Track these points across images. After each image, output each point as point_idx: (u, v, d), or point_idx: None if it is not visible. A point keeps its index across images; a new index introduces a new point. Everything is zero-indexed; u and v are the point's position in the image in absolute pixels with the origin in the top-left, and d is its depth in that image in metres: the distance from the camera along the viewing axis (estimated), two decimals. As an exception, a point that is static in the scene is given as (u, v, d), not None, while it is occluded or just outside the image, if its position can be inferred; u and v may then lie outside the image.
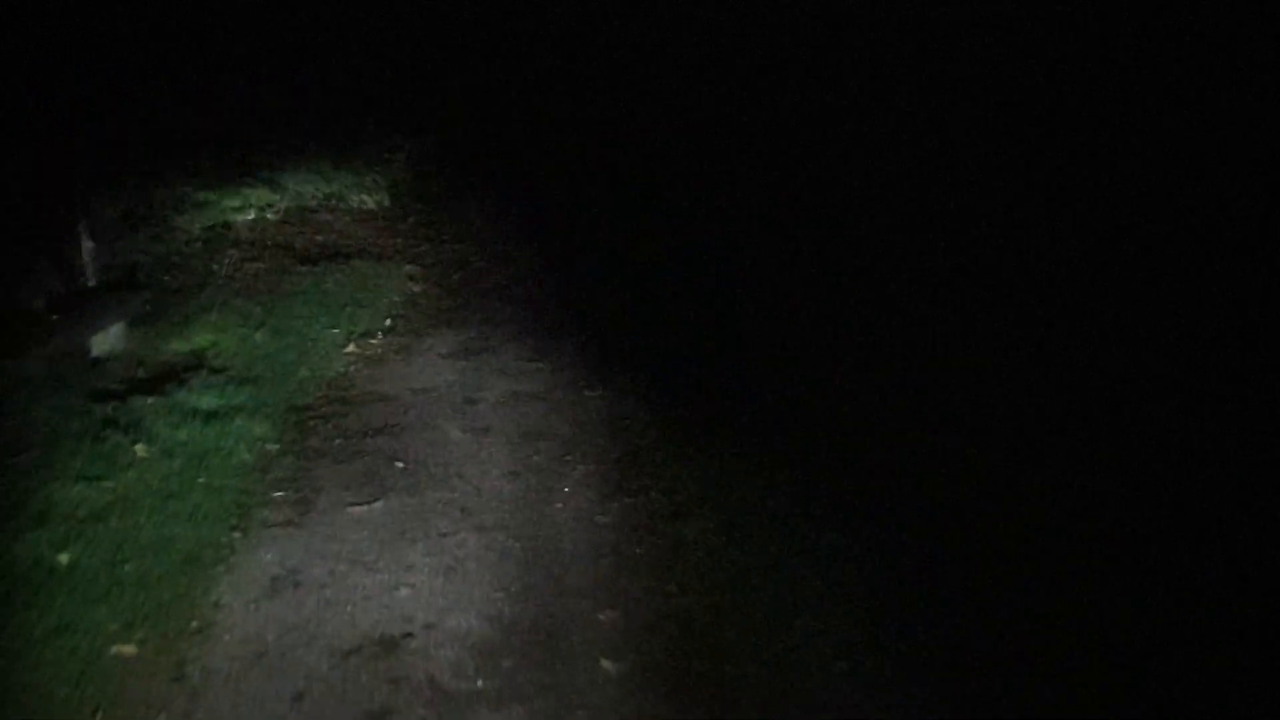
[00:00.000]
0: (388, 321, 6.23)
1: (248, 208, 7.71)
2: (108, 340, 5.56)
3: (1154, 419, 4.52)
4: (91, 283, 5.98)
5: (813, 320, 6.10)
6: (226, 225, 7.49)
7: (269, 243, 7.37)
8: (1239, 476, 4.02)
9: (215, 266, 6.88)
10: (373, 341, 5.91)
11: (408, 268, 7.18)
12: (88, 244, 6.01)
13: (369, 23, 10.19)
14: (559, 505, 4.09)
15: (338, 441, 4.69)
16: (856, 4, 9.32)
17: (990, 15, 7.85)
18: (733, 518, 3.93)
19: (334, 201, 8.17)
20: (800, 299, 6.43)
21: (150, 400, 4.96)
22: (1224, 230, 5.63)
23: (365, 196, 8.33)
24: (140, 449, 4.47)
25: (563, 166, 9.23)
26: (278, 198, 7.92)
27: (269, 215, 7.72)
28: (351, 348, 5.81)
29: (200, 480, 4.27)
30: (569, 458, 4.49)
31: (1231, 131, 6.01)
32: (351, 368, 5.57)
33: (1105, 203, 6.42)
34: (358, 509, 4.09)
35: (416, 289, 6.82)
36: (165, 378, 5.27)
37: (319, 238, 7.62)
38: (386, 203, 8.43)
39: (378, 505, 4.11)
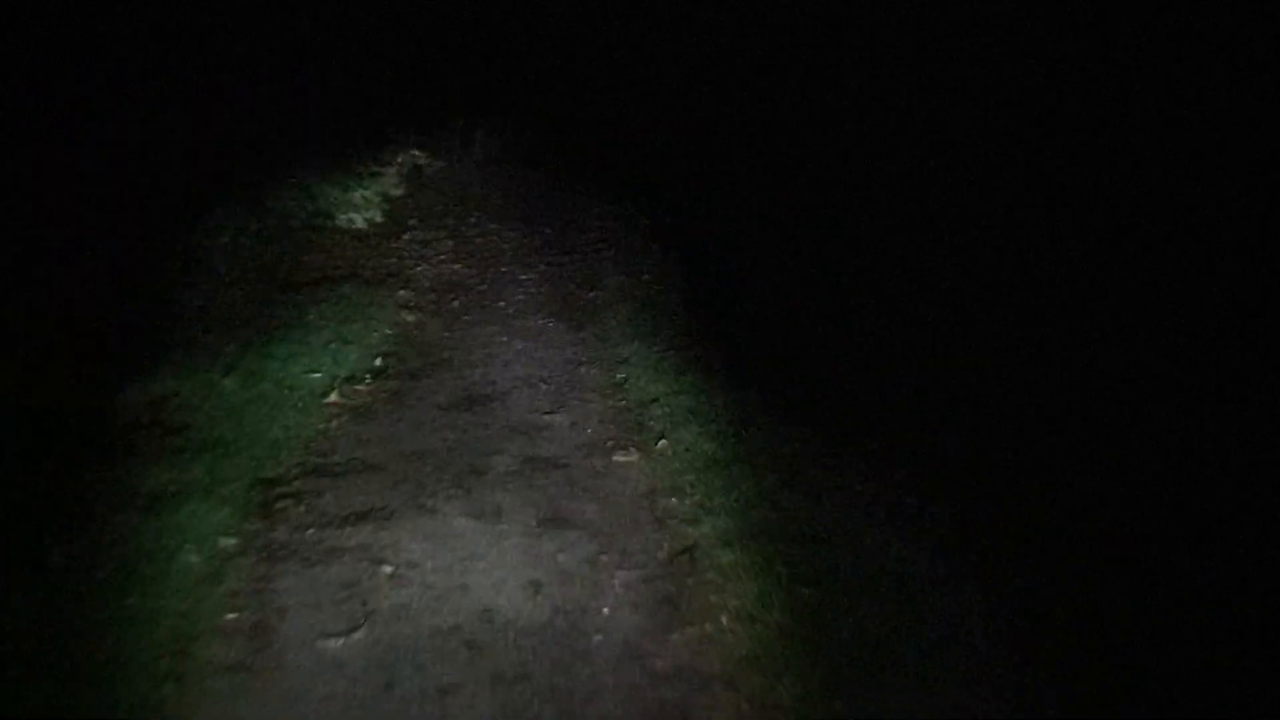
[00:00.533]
0: (377, 361, 4.96)
1: (224, 229, 6.37)
2: (49, 392, 4.29)
3: (1154, 419, 4.06)
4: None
5: (832, 331, 5.17)
6: (200, 249, 6.16)
7: (248, 268, 6.04)
8: (1239, 476, 3.61)
9: (186, 297, 5.58)
10: (359, 388, 4.64)
11: (401, 294, 5.88)
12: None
13: (363, 22, 8.85)
14: (598, 638, 2.84)
15: (311, 533, 3.44)
16: (856, 4, 8.36)
17: (990, 15, 7.03)
18: (843, 663, 2.68)
19: (320, 220, 6.83)
20: (807, 304, 5.54)
21: (85, 477, 3.70)
22: (1224, 230, 5.08)
23: (355, 214, 7.00)
24: (56, 556, 3.20)
25: (563, 171, 8.16)
26: (257, 217, 6.59)
27: (247, 237, 6.38)
28: (334, 397, 4.54)
29: (130, 600, 3.02)
30: (604, 557, 3.23)
31: (1231, 131, 5.36)
32: (333, 423, 4.30)
33: (1105, 203, 5.74)
34: (331, 643, 2.85)
35: (410, 319, 5.54)
36: (110, 442, 4.01)
37: (304, 261, 6.31)
38: (378, 219, 7.10)
39: (357, 637, 2.87)
